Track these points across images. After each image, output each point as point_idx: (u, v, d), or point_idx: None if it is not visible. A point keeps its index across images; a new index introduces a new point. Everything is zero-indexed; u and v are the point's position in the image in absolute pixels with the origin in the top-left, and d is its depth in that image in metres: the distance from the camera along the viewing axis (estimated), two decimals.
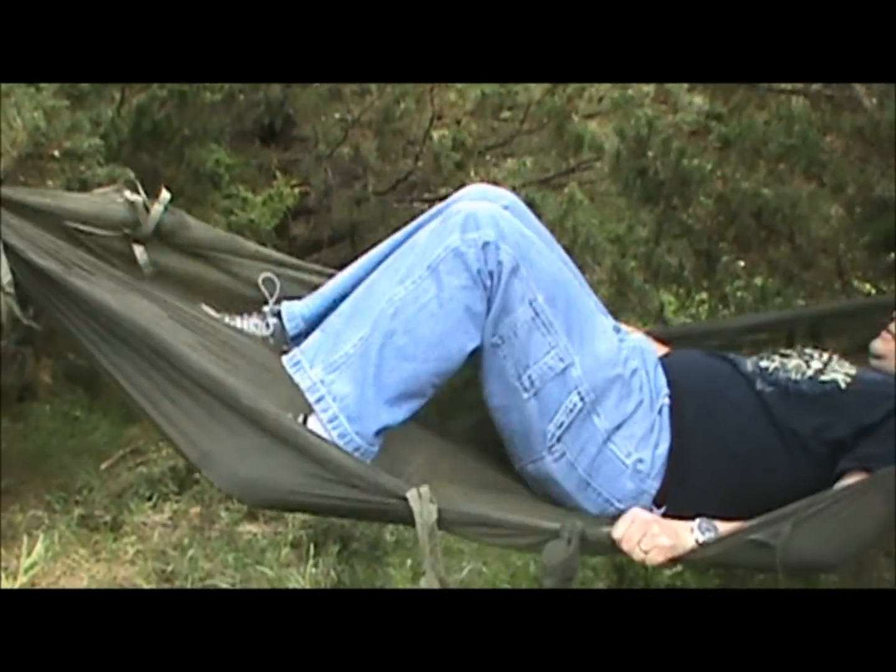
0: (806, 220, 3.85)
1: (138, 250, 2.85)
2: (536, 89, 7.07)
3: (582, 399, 2.81)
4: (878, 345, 3.04)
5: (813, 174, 3.75)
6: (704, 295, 4.38)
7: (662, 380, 2.96)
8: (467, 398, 2.99)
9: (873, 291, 4.11)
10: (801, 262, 4.00)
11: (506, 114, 7.44)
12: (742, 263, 4.26)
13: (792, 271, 4.03)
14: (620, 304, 4.41)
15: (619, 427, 2.85)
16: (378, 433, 2.74)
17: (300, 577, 4.73)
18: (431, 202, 7.37)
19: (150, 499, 5.42)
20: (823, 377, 2.91)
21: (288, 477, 2.60)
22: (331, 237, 7.38)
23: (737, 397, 2.93)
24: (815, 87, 4.03)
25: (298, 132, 7.26)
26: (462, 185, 6.80)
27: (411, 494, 2.57)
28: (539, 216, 4.45)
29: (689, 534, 2.66)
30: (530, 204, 6.14)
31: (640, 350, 3.01)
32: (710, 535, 2.66)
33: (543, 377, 2.78)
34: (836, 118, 3.77)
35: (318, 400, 2.73)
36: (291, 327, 2.98)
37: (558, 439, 2.83)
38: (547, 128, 6.99)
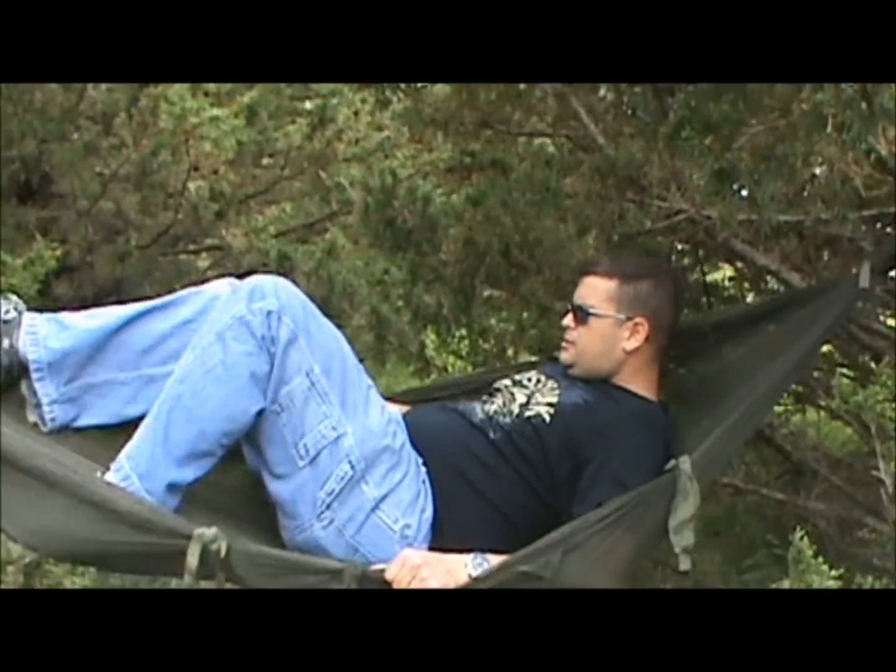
0: (554, 254, 3.96)
1: None
2: (295, 135, 7.11)
3: (353, 467, 2.92)
4: (563, 356, 3.27)
5: (559, 217, 3.86)
6: (465, 331, 4.47)
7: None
8: None
9: None
10: (554, 294, 4.12)
11: (267, 160, 7.45)
12: (498, 294, 4.35)
13: (545, 304, 4.14)
14: (382, 347, 4.48)
15: (386, 495, 2.96)
16: (169, 490, 2.80)
17: None
18: (196, 253, 7.38)
19: None
20: (528, 412, 3.10)
21: (78, 526, 2.62)
22: (96, 294, 7.27)
23: (479, 451, 3.08)
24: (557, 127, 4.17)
25: (56, 188, 7.15)
26: (222, 235, 6.86)
27: (198, 532, 2.61)
28: (293, 269, 4.51)
29: (462, 568, 2.78)
30: (285, 258, 6.24)
31: (399, 421, 3.11)
32: (482, 569, 2.77)
33: (317, 445, 2.91)
34: (575, 157, 3.89)
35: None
36: (32, 351, 3.00)
37: (328, 506, 2.94)
38: (308, 173, 7.05)
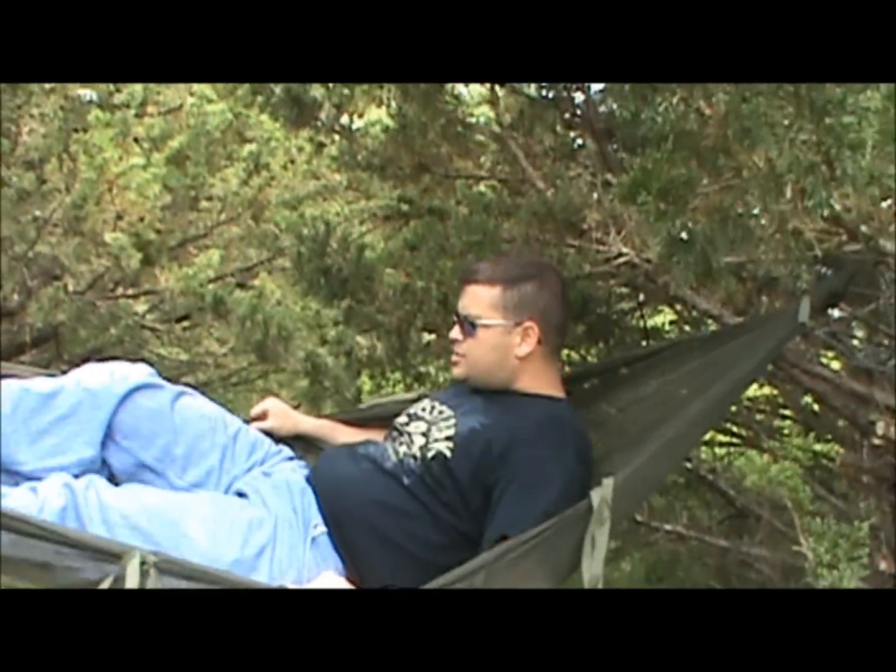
0: None
1: None
2: (232, 179, 7.08)
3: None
4: (456, 371, 3.20)
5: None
6: (399, 375, 4.43)
7: (313, 509, 3.03)
8: None
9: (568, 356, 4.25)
10: None
11: (205, 204, 7.42)
12: (435, 340, 4.30)
13: None
14: (317, 393, 4.43)
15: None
16: None
17: None
18: (134, 297, 7.32)
19: None
20: (430, 452, 3.02)
21: None
22: (34, 339, 7.22)
23: (393, 501, 3.01)
24: (496, 170, 4.15)
25: None
26: (152, 281, 6.82)
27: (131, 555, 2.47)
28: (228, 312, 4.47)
29: None
30: (220, 302, 6.20)
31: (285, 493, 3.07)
32: None
33: None
34: (514, 201, 3.86)
35: None
36: None
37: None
38: (243, 218, 7.04)
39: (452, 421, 3.06)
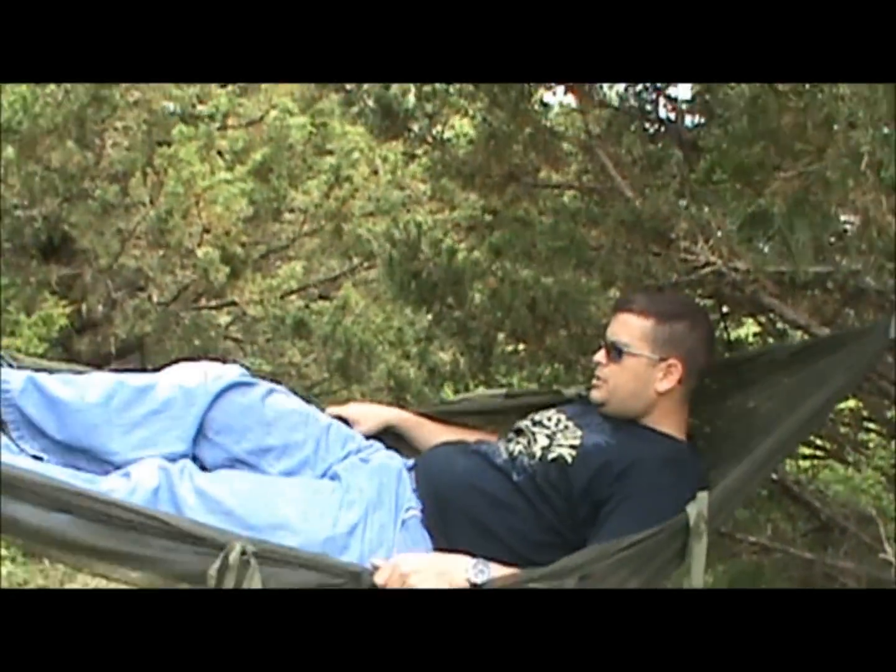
0: (579, 307, 3.94)
1: None
2: (315, 191, 7.14)
3: None
4: (595, 395, 3.21)
5: (584, 267, 3.84)
6: (482, 389, 4.44)
7: (407, 493, 3.10)
8: None
9: None
10: (579, 348, 4.08)
11: (289, 216, 7.50)
12: (521, 347, 4.32)
13: (570, 358, 4.11)
14: (400, 407, 4.45)
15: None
16: None
17: None
18: (217, 308, 7.40)
19: None
20: (551, 454, 3.07)
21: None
22: (118, 350, 7.31)
23: (497, 493, 3.07)
24: (583, 179, 4.16)
25: (78, 246, 7.19)
26: (236, 295, 6.89)
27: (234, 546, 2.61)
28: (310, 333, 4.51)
29: (461, 572, 2.80)
30: (301, 323, 6.28)
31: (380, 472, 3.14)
32: (483, 577, 2.79)
33: None
34: (601, 209, 3.87)
35: None
36: (7, 412, 3.01)
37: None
38: (326, 228, 7.10)
39: (579, 433, 3.11)
